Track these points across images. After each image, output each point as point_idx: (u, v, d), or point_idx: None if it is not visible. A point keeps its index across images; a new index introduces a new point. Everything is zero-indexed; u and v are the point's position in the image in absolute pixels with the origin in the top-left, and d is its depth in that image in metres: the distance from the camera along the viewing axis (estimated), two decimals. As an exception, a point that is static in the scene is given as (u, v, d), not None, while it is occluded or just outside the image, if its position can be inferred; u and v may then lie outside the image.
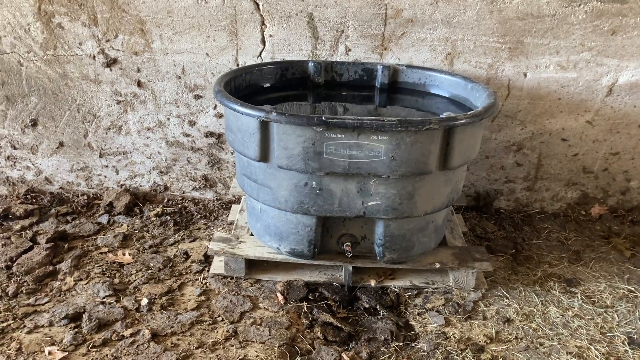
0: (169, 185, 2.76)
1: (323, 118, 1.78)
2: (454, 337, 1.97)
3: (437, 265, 2.18)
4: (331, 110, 2.36)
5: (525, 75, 2.51)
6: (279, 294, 2.14)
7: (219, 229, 2.55)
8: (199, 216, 2.65)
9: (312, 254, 2.11)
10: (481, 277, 2.24)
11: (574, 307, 2.13)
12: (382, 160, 1.85)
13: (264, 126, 1.86)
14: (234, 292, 2.13)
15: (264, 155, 1.92)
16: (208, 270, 2.25)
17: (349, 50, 2.48)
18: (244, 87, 2.29)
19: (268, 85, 2.39)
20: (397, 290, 2.21)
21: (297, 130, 1.82)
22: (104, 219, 2.57)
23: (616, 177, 2.72)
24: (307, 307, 2.08)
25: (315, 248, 2.10)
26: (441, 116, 1.84)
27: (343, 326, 2.00)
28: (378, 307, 2.12)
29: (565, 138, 2.64)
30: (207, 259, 2.33)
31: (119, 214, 2.61)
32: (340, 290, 2.19)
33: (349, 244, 2.11)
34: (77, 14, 2.40)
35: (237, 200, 2.73)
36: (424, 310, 2.12)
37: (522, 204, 2.81)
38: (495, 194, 2.78)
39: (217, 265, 2.25)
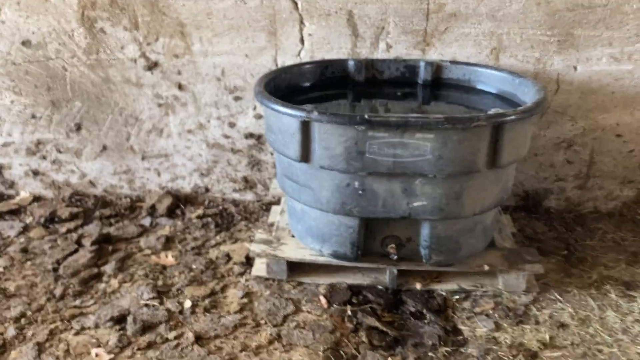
0: (209, 187, 2.75)
1: (365, 117, 1.73)
2: (505, 343, 1.89)
3: (486, 267, 2.10)
4: (372, 108, 2.30)
5: (575, 68, 2.40)
6: (322, 297, 2.09)
7: (259, 231, 2.52)
8: (239, 218, 2.63)
9: (355, 256, 2.06)
10: (532, 280, 2.15)
11: (633, 312, 2.02)
12: (428, 159, 1.79)
13: (305, 126, 1.82)
14: (276, 295, 2.10)
15: (305, 155, 1.88)
16: (250, 273, 2.23)
17: (390, 47, 2.42)
18: (283, 87, 2.26)
19: (308, 84, 2.36)
20: (443, 293, 2.14)
21: (338, 129, 1.78)
22: (146, 222, 2.58)
23: (675, 174, 2.58)
24: (351, 310, 2.03)
25: (358, 250, 2.05)
26: (489, 112, 1.77)
27: (389, 330, 1.94)
28: (424, 310, 2.06)
29: (620, 134, 2.51)
30: (249, 261, 2.31)
31: (161, 216, 2.62)
32: (385, 293, 2.14)
33: (394, 246, 2.05)
34: (118, 19, 2.42)
35: (277, 201, 2.70)
36: (473, 314, 2.04)
37: (573, 203, 2.69)
38: (545, 193, 2.68)
39: (259, 268, 2.22)
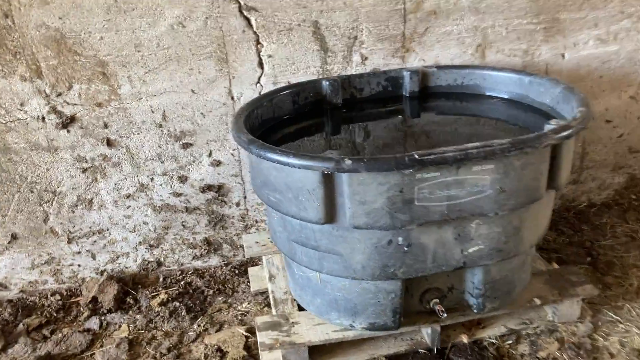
0: (162, 259, 2.19)
1: (416, 156, 1.32)
2: (594, 391, 1.60)
3: (538, 302, 1.79)
4: (360, 134, 1.90)
5: (563, 56, 2.17)
6: (362, 382, 1.66)
7: (245, 305, 2.03)
8: (212, 292, 2.11)
9: (397, 324, 1.65)
10: (581, 303, 1.88)
11: (703, 318, 1.82)
12: (487, 195, 1.43)
13: (328, 179, 1.38)
14: (305, 394, 1.64)
15: (330, 215, 1.44)
16: (258, 369, 1.74)
17: (366, 58, 2.03)
18: (257, 125, 1.78)
19: (280, 117, 1.90)
20: (493, 340, 1.80)
21: (377, 177, 1.36)
22: (93, 323, 1.98)
23: (663, 152, 2.47)
24: (403, 392, 1.62)
25: (400, 317, 1.64)
26: (551, 127, 1.44)
27: (460, 409, 1.56)
28: (484, 369, 1.71)
29: (609, 119, 2.34)
30: (250, 351, 1.82)
31: (110, 311, 2.03)
32: (430, 357, 1.75)
33: (437, 301, 1.67)
34: (11, 67, 1.79)
35: (251, 261, 2.21)
36: (536, 359, 1.72)
37: (568, 200, 2.49)
38: (542, 195, 2.44)
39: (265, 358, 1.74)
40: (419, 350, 1.78)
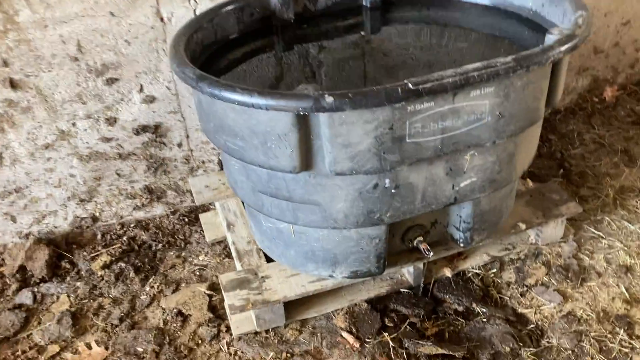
0: (97, 214, 1.90)
1: (410, 86, 1.09)
2: (588, 317, 1.53)
3: (523, 226, 1.67)
4: (319, 58, 1.63)
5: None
6: (346, 335, 1.52)
7: (202, 258, 1.80)
8: (160, 246, 1.86)
9: (382, 269, 1.49)
10: (565, 222, 1.78)
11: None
12: (485, 123, 1.24)
13: (303, 121, 1.14)
14: (285, 356, 1.47)
15: (305, 162, 1.21)
16: (228, 331, 1.55)
17: (317, -38, 1.71)
18: (198, 53, 1.48)
19: (223, 40, 1.59)
20: (477, 271, 1.69)
21: (364, 115, 1.13)
22: (25, 298, 1.70)
23: (626, 50, 2.35)
24: (391, 340, 1.49)
25: (384, 261, 1.48)
26: (553, 37, 1.24)
27: (455, 353, 1.45)
28: (472, 304, 1.60)
29: (576, 18, 2.16)
30: (215, 311, 1.62)
31: (43, 280, 1.75)
32: (415, 297, 1.63)
33: (422, 239, 1.51)
34: None
35: (203, 207, 1.97)
36: (526, 288, 1.63)
37: (531, 108, 2.35)
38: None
39: (241, 321, 1.55)
40: (401, 290, 1.64)
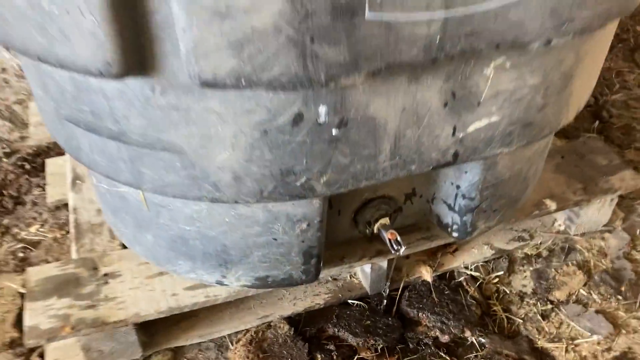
0: None
1: None
2: (656, 364, 0.91)
3: (552, 205, 1.03)
4: None
5: None
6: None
7: (35, 229, 1.13)
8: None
9: (313, 274, 0.83)
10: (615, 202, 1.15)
11: None
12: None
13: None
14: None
15: (138, 53, 0.52)
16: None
17: None
18: None
19: None
20: (473, 273, 1.06)
21: None
22: None
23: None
24: (326, 394, 0.86)
25: (319, 262, 0.82)
26: None
27: None
28: (466, 331, 0.97)
29: None
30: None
31: None
32: (370, 315, 0.98)
33: (387, 222, 0.86)
34: None
35: (58, 148, 1.27)
36: (551, 305, 1.01)
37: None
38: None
39: (64, 351, 0.89)
40: (350, 301, 1.00)
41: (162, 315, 0.85)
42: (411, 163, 0.70)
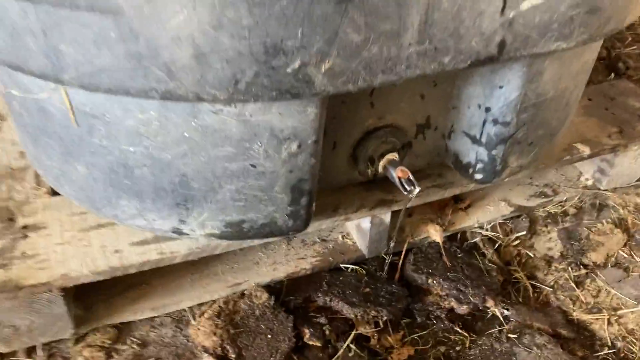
0: None
1: None
2: None
3: (586, 150, 0.85)
4: None
5: None
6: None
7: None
8: None
9: (304, 219, 0.63)
10: None
11: None
12: None
13: None
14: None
15: None
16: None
17: None
18: None
19: None
20: (490, 233, 0.87)
21: None
22: None
23: None
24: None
25: (311, 201, 0.62)
26: None
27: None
28: (487, 299, 0.78)
29: None
30: None
31: None
32: (369, 281, 0.79)
33: (395, 156, 0.67)
34: None
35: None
36: (585, 270, 0.83)
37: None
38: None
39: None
40: (343, 265, 0.80)
41: (100, 278, 0.63)
42: (445, 52, 0.51)
